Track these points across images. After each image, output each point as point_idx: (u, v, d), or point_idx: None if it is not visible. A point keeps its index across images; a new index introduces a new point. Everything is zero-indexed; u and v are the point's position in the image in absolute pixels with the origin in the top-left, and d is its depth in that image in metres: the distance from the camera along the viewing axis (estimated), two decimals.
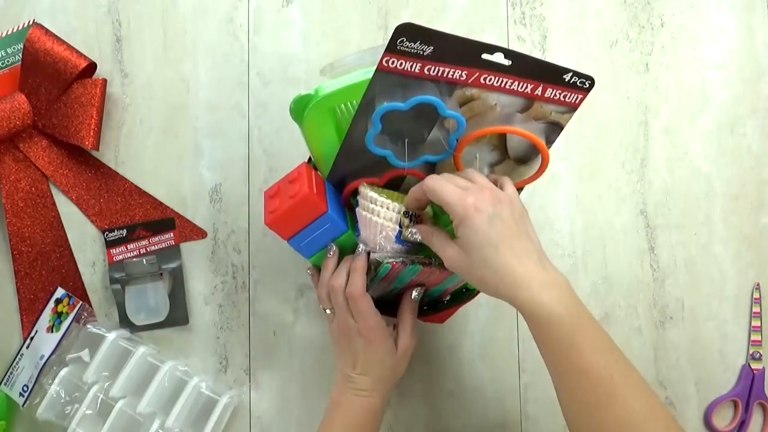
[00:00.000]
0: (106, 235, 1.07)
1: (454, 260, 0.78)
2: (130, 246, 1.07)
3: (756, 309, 1.09)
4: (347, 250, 0.89)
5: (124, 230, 1.07)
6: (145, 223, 1.08)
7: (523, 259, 0.75)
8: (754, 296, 1.10)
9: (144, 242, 1.08)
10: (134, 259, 1.07)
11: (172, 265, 1.07)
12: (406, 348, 0.92)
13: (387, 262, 0.83)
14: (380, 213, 0.82)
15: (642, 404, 0.74)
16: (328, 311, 0.90)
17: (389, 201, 0.82)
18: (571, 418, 0.77)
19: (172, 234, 1.08)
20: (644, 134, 1.11)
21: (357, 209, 0.85)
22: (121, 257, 1.07)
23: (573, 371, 0.75)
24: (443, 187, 0.77)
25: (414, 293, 0.91)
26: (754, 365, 1.09)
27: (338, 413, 0.90)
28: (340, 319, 0.89)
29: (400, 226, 0.83)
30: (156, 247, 1.08)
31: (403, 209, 0.83)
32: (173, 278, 1.07)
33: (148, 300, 1.06)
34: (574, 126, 1.08)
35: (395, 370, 0.92)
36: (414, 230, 0.83)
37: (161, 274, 1.07)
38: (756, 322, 1.09)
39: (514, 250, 0.75)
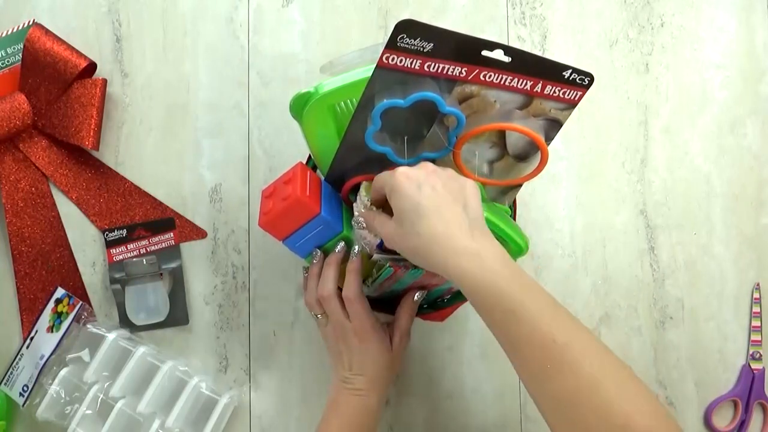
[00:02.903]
0: (106, 235, 1.07)
1: (391, 236, 0.77)
2: (130, 246, 1.07)
3: (756, 309, 1.09)
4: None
5: (124, 230, 1.07)
6: (145, 223, 1.08)
7: (452, 227, 0.74)
8: (754, 296, 1.09)
9: (144, 242, 1.07)
10: (134, 259, 1.07)
11: (172, 265, 1.07)
12: (400, 347, 0.92)
13: (389, 266, 0.83)
14: (358, 222, 0.83)
15: (595, 367, 0.69)
16: (319, 316, 0.90)
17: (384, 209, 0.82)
18: (526, 385, 0.74)
19: (172, 234, 1.08)
20: (644, 134, 1.11)
21: (354, 208, 0.85)
22: (121, 257, 1.07)
23: (515, 340, 0.72)
24: (382, 173, 0.78)
25: (416, 295, 0.91)
26: (754, 365, 1.09)
27: (335, 414, 0.90)
28: (334, 321, 0.89)
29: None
30: (156, 247, 1.08)
31: None
32: (173, 278, 1.07)
33: (148, 300, 1.06)
34: (573, 126, 1.08)
35: (391, 369, 0.91)
36: (360, 219, 0.83)
37: (161, 274, 1.07)
38: (756, 322, 1.09)
39: (443, 218, 0.74)
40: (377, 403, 0.90)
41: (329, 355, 0.93)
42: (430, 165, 0.78)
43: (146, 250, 1.08)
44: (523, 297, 0.72)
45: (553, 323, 0.71)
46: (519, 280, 0.73)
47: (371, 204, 0.82)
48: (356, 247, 0.87)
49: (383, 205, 0.81)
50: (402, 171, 0.76)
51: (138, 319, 1.06)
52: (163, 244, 1.08)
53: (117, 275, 1.06)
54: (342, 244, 0.88)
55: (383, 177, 0.78)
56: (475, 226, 0.75)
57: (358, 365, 0.89)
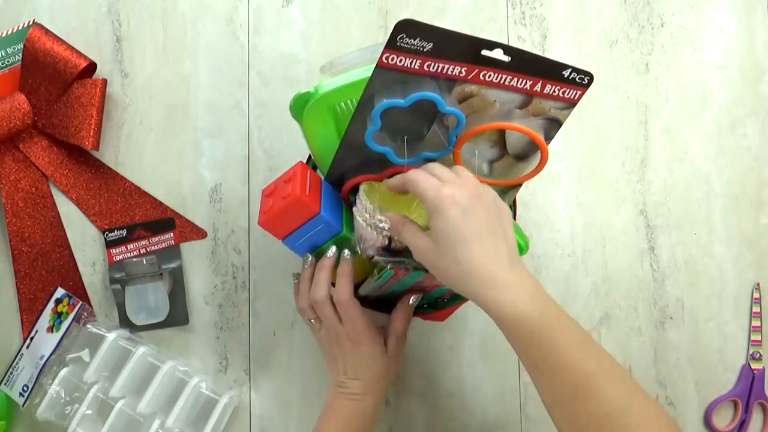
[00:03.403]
0: (106, 235, 1.07)
1: (423, 251, 0.77)
2: (130, 246, 1.07)
3: (756, 309, 1.09)
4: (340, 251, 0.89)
5: (124, 230, 1.07)
6: (145, 223, 1.08)
7: (492, 257, 0.74)
8: (754, 296, 1.09)
9: (144, 242, 1.07)
10: (134, 259, 1.07)
11: (172, 265, 1.07)
12: (396, 350, 0.92)
13: (390, 268, 0.83)
14: (372, 224, 0.83)
15: (621, 395, 0.73)
16: (312, 321, 0.90)
17: (383, 213, 0.82)
18: (550, 410, 0.76)
19: (172, 234, 1.08)
20: (644, 134, 1.11)
21: (354, 209, 0.85)
22: (121, 257, 1.07)
23: (546, 368, 0.74)
24: (420, 176, 0.77)
25: (412, 299, 0.91)
26: (754, 365, 1.09)
27: (331, 418, 0.90)
28: (327, 326, 0.89)
29: (390, 240, 0.83)
30: (156, 247, 1.08)
31: None
32: (173, 278, 1.07)
33: (148, 300, 1.06)
34: (574, 126, 1.08)
35: (386, 372, 0.91)
36: (382, 218, 0.82)
37: (161, 274, 1.07)
38: (756, 322, 1.09)
39: (485, 247, 0.74)
40: (373, 406, 0.90)
41: (324, 359, 0.93)
42: (471, 182, 0.77)
43: (146, 250, 1.08)
44: (555, 328, 0.74)
45: (581, 352, 0.74)
46: (551, 311, 0.75)
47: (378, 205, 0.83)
48: (346, 251, 0.87)
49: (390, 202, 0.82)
50: (448, 195, 0.74)
51: (138, 319, 1.06)
52: (163, 244, 1.08)
53: (117, 275, 1.06)
54: (334, 248, 0.88)
55: (415, 181, 0.77)
56: (512, 256, 0.76)
57: (353, 369, 0.89)
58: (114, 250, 1.07)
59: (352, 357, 0.89)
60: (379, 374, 0.90)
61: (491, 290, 0.73)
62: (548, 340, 0.73)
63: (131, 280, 1.06)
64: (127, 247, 1.07)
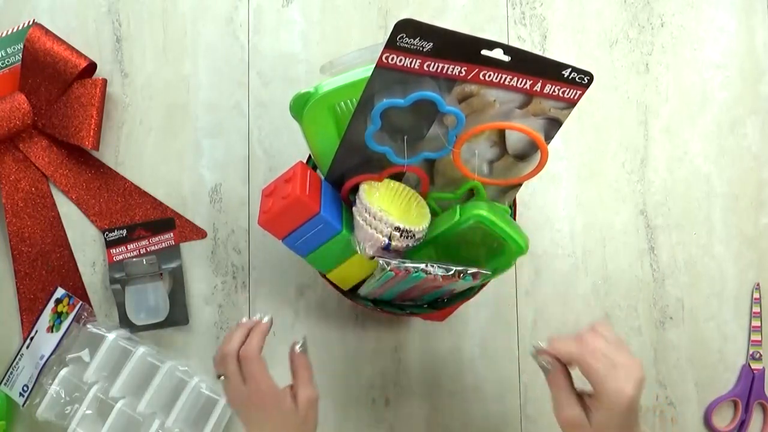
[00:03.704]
0: (106, 235, 1.07)
1: (572, 425, 0.75)
2: (130, 246, 1.07)
3: (756, 309, 1.09)
4: (340, 250, 0.89)
5: (124, 230, 1.07)
6: (145, 223, 1.08)
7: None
8: (754, 296, 1.09)
9: (144, 242, 1.08)
10: (134, 259, 1.07)
11: (172, 265, 1.07)
12: (309, 400, 0.84)
13: (390, 270, 0.82)
14: (372, 224, 0.82)
15: None
16: (221, 377, 0.86)
17: (383, 214, 0.82)
18: None
19: (172, 234, 1.08)
20: (644, 134, 1.11)
21: (354, 209, 0.85)
22: (121, 257, 1.07)
23: None
24: (597, 365, 0.73)
25: (298, 347, 0.87)
26: (754, 365, 1.09)
27: None
28: (232, 385, 0.84)
29: (390, 240, 0.82)
30: (156, 247, 1.08)
31: (396, 224, 0.82)
32: (173, 278, 1.07)
33: (148, 300, 1.06)
34: (574, 126, 1.08)
35: (303, 427, 0.84)
36: (545, 361, 0.78)
37: (161, 274, 1.07)
38: (756, 322, 1.09)
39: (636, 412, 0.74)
40: None
41: (240, 421, 0.87)
42: (632, 365, 0.74)
43: (146, 250, 1.08)
44: None
45: None
46: None
47: (397, 225, 0.82)
48: (268, 317, 0.87)
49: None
50: (630, 395, 0.72)
51: (138, 319, 1.06)
52: (163, 244, 1.08)
53: (117, 275, 1.06)
54: (269, 316, 0.87)
55: (594, 370, 0.74)
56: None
57: None
58: (114, 250, 1.07)
59: (262, 424, 0.83)
60: None
61: None
62: None
63: (131, 280, 1.06)
64: (127, 247, 1.07)
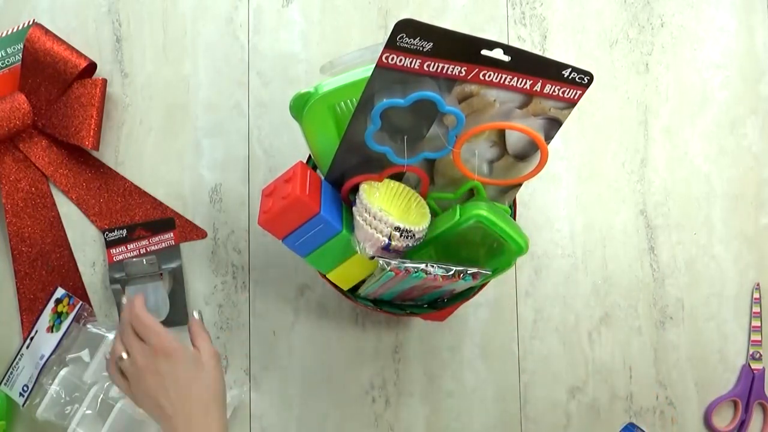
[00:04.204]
0: (106, 235, 1.07)
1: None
2: (130, 246, 1.07)
3: (756, 309, 1.09)
4: (340, 250, 0.89)
5: (124, 230, 1.07)
6: (145, 223, 1.08)
7: None
8: (754, 296, 1.09)
9: (144, 242, 1.07)
10: (134, 259, 1.06)
11: (172, 265, 1.07)
12: (210, 353, 0.87)
13: (390, 270, 0.82)
14: (372, 224, 0.82)
15: None
16: (124, 355, 0.87)
17: (383, 214, 0.82)
18: None
19: (172, 234, 1.08)
20: (644, 134, 1.11)
21: (354, 209, 0.85)
22: (121, 257, 1.07)
23: None
24: None
25: (195, 314, 0.91)
26: (754, 365, 1.09)
27: None
28: (137, 355, 0.85)
29: (390, 240, 0.82)
30: (156, 247, 1.08)
31: (396, 224, 0.82)
32: (173, 278, 1.07)
33: (148, 300, 1.06)
34: (574, 126, 1.08)
35: (214, 385, 0.86)
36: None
37: (161, 274, 1.07)
38: (756, 322, 1.09)
39: None
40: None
41: (152, 416, 0.87)
42: None
43: (146, 250, 1.08)
44: None
45: None
46: None
47: (397, 225, 0.82)
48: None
49: None
50: None
51: None
52: (163, 244, 1.08)
53: (117, 275, 1.06)
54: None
55: None
56: None
57: (176, 391, 0.84)
58: (114, 250, 1.07)
59: (172, 376, 0.84)
60: (207, 391, 0.85)
61: None
62: None
63: (131, 280, 1.06)
64: (127, 247, 1.07)
